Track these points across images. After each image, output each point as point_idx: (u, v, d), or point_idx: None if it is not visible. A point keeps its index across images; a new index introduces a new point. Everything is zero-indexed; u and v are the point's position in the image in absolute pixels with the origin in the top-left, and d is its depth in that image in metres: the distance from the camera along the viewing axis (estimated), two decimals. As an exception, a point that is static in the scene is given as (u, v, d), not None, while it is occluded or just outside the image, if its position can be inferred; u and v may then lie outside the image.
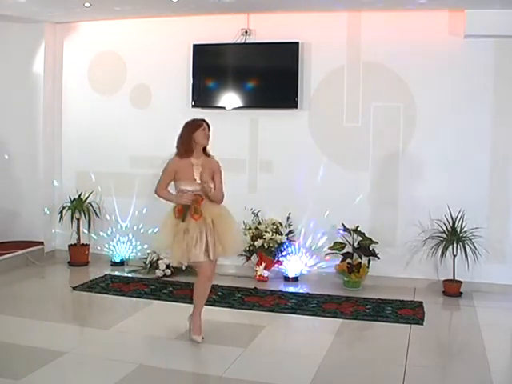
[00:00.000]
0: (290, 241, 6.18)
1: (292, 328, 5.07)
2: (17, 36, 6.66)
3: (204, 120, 4.38)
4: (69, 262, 6.71)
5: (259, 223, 6.20)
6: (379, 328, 4.82)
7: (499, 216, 5.81)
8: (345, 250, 5.97)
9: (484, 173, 5.81)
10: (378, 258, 5.96)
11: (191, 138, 4.28)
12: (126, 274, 6.32)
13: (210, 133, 4.35)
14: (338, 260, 6.00)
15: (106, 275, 6.22)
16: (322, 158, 6.19)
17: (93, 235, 6.84)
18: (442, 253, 5.76)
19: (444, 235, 5.76)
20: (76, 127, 6.89)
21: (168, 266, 6.16)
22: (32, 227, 6.81)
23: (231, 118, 6.38)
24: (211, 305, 5.31)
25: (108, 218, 6.82)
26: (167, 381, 3.84)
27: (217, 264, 4.49)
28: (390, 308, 5.25)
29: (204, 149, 4.37)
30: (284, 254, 6.16)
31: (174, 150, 4.34)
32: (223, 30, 6.26)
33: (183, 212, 4.20)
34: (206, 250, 4.20)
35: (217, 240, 4.24)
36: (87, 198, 6.71)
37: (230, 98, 6.28)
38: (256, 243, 6.08)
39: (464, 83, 5.78)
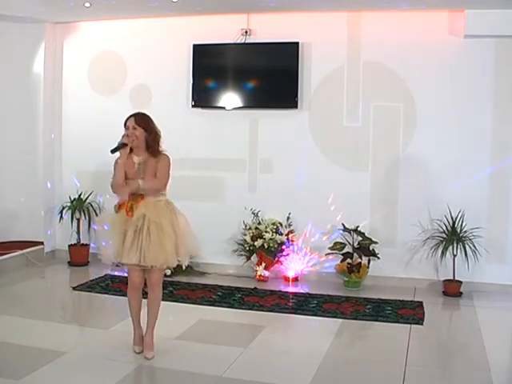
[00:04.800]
0: (290, 241, 6.18)
1: (292, 328, 5.07)
2: (17, 36, 6.65)
3: (133, 115, 4.02)
4: (69, 262, 6.71)
5: (259, 223, 6.20)
6: (379, 328, 4.82)
7: (499, 216, 5.81)
8: (345, 250, 5.97)
9: (484, 173, 5.81)
10: (378, 258, 5.96)
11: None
12: (126, 274, 6.30)
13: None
14: (337, 260, 6.01)
15: (106, 275, 6.21)
16: (322, 158, 6.19)
17: (92, 235, 6.85)
18: (442, 253, 5.76)
19: (444, 235, 5.76)
20: (76, 127, 6.89)
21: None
22: (32, 227, 6.82)
23: (231, 118, 6.38)
24: (211, 305, 5.33)
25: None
26: (167, 381, 3.85)
27: (156, 275, 4.07)
28: (389, 308, 5.25)
29: (147, 146, 3.99)
30: (284, 253, 6.16)
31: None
32: (223, 29, 6.26)
33: (123, 207, 3.96)
34: (139, 253, 3.87)
35: (147, 246, 3.87)
36: (87, 197, 6.72)
37: (230, 98, 6.28)
38: (256, 243, 6.08)
39: (464, 83, 5.78)
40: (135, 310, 4.15)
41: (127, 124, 4.00)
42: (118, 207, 4.01)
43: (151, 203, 3.96)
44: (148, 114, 4.10)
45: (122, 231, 3.95)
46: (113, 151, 4.00)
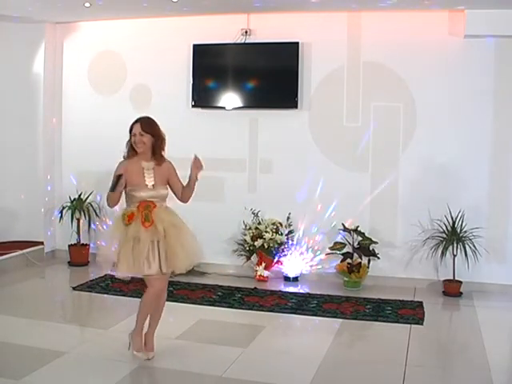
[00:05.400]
0: (290, 241, 6.18)
1: (292, 328, 5.08)
2: (17, 36, 6.66)
3: (139, 121, 3.93)
4: (69, 262, 6.71)
5: (259, 223, 6.20)
6: (379, 328, 4.83)
7: (499, 216, 5.81)
8: (345, 250, 5.97)
9: (484, 173, 5.81)
10: (378, 258, 5.96)
11: (130, 142, 3.95)
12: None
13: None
14: (337, 260, 6.01)
15: (106, 275, 6.20)
16: (322, 158, 6.19)
17: (92, 235, 6.85)
18: (442, 253, 5.76)
19: (444, 235, 5.76)
20: (76, 127, 6.89)
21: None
22: (32, 227, 6.82)
23: (231, 118, 6.38)
24: (211, 305, 5.33)
25: (108, 218, 6.81)
26: (167, 381, 3.85)
27: (167, 279, 4.09)
28: (390, 308, 5.25)
29: (153, 152, 3.93)
30: (284, 253, 6.16)
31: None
32: (223, 29, 6.26)
33: (134, 218, 3.84)
34: (159, 262, 3.84)
35: (168, 252, 3.85)
36: (87, 197, 6.72)
37: (230, 98, 6.28)
38: (256, 243, 6.08)
39: (464, 83, 5.78)
40: (146, 317, 4.05)
41: (133, 131, 3.89)
42: (128, 219, 3.85)
43: (163, 210, 3.92)
44: (153, 117, 4.01)
45: (132, 243, 3.81)
46: (112, 189, 3.87)
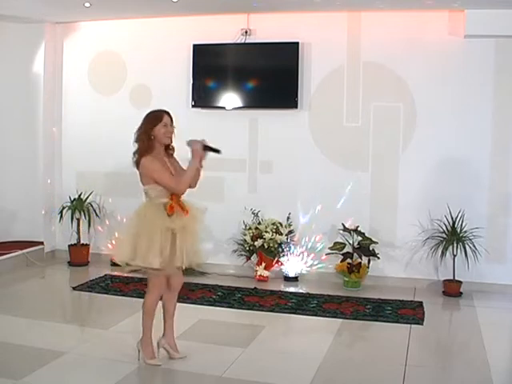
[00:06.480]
0: (290, 241, 6.18)
1: (292, 328, 5.08)
2: (17, 36, 6.65)
3: (166, 112, 3.84)
4: (69, 262, 6.71)
5: (259, 223, 6.20)
6: (379, 328, 4.83)
7: (499, 216, 5.81)
8: (345, 250, 5.97)
9: (484, 173, 5.81)
10: (378, 258, 5.96)
11: (150, 134, 3.76)
12: (126, 274, 6.31)
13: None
14: (337, 260, 6.01)
15: (105, 275, 6.22)
16: (322, 158, 6.19)
17: (92, 235, 6.85)
18: (442, 253, 5.76)
19: (444, 235, 5.76)
20: (76, 127, 6.89)
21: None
22: (32, 227, 6.82)
23: (231, 118, 6.38)
24: (211, 305, 5.33)
25: (108, 217, 6.82)
26: (167, 381, 3.85)
27: (182, 276, 4.05)
28: (390, 308, 5.25)
29: (167, 147, 3.88)
30: (284, 254, 6.16)
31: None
32: (223, 29, 6.26)
33: (174, 209, 3.77)
34: (184, 256, 3.77)
35: (188, 244, 3.79)
36: (87, 197, 6.72)
37: (230, 98, 6.29)
38: (256, 243, 6.08)
39: (464, 83, 5.78)
40: (152, 324, 3.94)
41: (164, 121, 3.78)
42: (170, 210, 3.74)
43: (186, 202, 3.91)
44: None
45: (171, 231, 3.73)
46: (218, 151, 3.95)
